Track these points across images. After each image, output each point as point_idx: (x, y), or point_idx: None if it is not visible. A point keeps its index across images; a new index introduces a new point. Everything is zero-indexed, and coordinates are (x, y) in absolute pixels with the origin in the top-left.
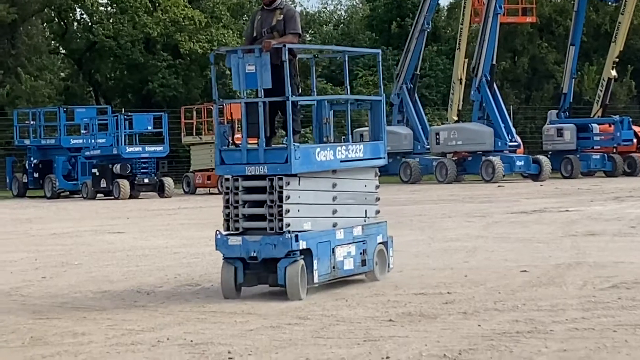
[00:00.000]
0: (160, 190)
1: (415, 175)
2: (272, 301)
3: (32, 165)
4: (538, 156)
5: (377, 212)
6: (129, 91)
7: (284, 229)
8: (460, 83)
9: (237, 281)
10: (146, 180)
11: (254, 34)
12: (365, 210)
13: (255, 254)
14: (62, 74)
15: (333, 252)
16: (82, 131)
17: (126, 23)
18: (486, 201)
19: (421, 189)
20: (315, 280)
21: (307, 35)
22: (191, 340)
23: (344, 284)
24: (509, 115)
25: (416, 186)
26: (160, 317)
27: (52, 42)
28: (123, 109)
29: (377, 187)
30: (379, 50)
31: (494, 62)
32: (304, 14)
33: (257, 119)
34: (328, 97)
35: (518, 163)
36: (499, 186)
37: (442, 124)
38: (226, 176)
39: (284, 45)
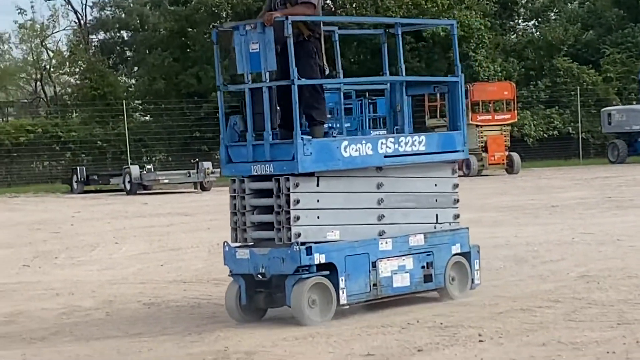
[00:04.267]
0: None
1: None
2: (522, 284)
3: None
4: None
5: (456, 216)
6: (373, 75)
7: (293, 240)
8: None
9: (242, 303)
10: None
11: (271, 5)
12: (437, 215)
13: (263, 270)
14: None
15: (374, 266)
16: (328, 115)
17: (369, 8)
18: None
19: None
20: (343, 301)
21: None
22: (441, 323)
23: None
24: None
25: None
26: (408, 300)
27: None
28: (366, 93)
29: (455, 185)
30: (454, 22)
31: None
32: None
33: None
34: (349, 80)
35: None
36: None
37: None
38: (232, 177)
39: (286, 18)
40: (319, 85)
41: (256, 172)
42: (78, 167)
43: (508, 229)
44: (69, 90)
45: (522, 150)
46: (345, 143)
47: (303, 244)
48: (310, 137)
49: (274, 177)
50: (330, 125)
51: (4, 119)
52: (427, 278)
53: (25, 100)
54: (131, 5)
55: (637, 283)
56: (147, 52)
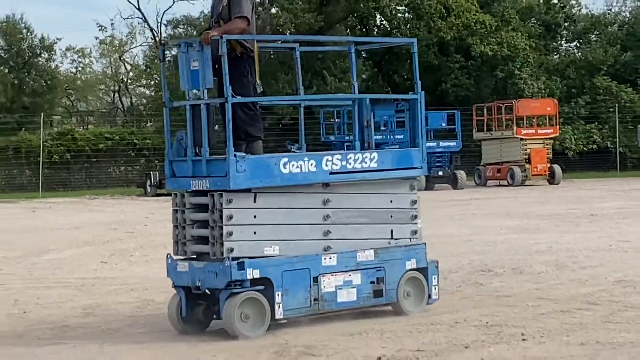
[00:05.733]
0: (453, 183)
1: None
2: (562, 287)
3: None
4: None
5: (414, 232)
6: (425, 91)
7: (225, 255)
8: None
9: (182, 315)
10: (440, 173)
11: (211, 24)
12: (392, 231)
13: (199, 283)
14: (364, 76)
15: (315, 281)
16: (381, 128)
17: (422, 28)
18: None
19: None
20: (279, 315)
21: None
22: (486, 322)
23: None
24: None
25: None
26: (456, 301)
27: (355, 46)
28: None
29: (414, 202)
30: (414, 40)
31: None
32: (589, 15)
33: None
34: (309, 97)
35: None
36: None
37: None
38: (174, 192)
39: (221, 37)
40: (252, 103)
41: (194, 187)
42: (152, 172)
43: (549, 236)
44: (144, 101)
45: (563, 162)
46: (285, 160)
47: (237, 258)
48: (244, 154)
49: (209, 193)
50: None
51: (85, 127)
52: (377, 293)
53: (104, 110)
54: (202, 23)
55: None
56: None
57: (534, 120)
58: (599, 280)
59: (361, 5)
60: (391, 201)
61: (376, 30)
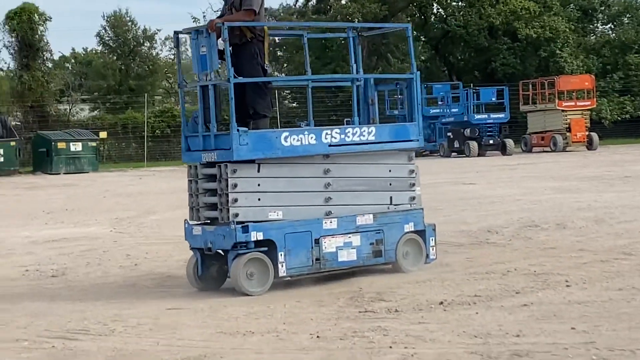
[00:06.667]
0: (503, 150)
1: None
2: (601, 239)
3: None
4: None
5: (412, 198)
6: (476, 70)
7: (231, 219)
8: None
9: (199, 274)
10: (491, 142)
11: (223, 13)
12: (391, 198)
13: (210, 245)
14: (422, 57)
15: (316, 242)
16: (438, 102)
17: (473, 15)
18: None
19: None
20: (282, 274)
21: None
22: (534, 271)
23: None
24: None
25: None
26: (508, 252)
27: (415, 32)
28: (472, 84)
29: (412, 171)
30: (409, 25)
31: None
32: (622, 0)
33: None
34: (315, 77)
35: None
36: None
37: None
38: (188, 165)
39: (223, 24)
40: (263, 83)
41: (205, 159)
42: None
43: (589, 195)
44: None
45: (600, 130)
46: (286, 134)
47: (242, 222)
48: (246, 129)
49: (217, 164)
50: (440, 110)
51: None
52: (377, 253)
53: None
54: (281, 14)
55: None
56: (295, 52)
57: (573, 94)
58: (634, 234)
59: None
60: (390, 170)
61: (433, 17)
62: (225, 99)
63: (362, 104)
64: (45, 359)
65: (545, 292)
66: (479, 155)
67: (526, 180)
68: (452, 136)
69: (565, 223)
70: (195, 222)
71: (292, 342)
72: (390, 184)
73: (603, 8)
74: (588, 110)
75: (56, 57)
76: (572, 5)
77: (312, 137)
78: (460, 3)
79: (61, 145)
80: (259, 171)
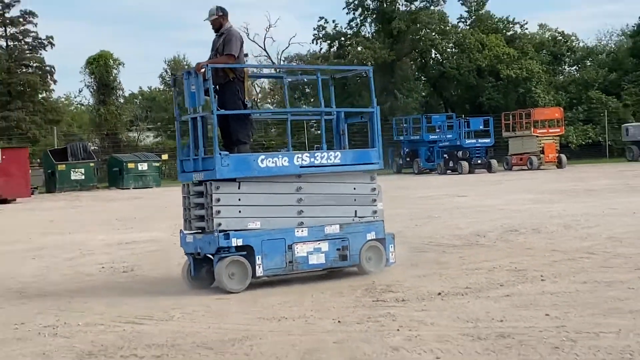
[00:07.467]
0: (489, 168)
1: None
2: (569, 242)
3: (405, 152)
4: None
5: (374, 211)
6: (467, 103)
7: (215, 228)
8: None
9: (192, 275)
10: (479, 162)
11: (211, 57)
12: (356, 211)
13: (199, 250)
14: (423, 94)
15: (290, 248)
16: (436, 130)
17: (464, 59)
18: None
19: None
20: (260, 273)
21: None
22: (515, 267)
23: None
24: None
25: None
26: (493, 252)
27: (416, 72)
28: (463, 115)
29: (374, 189)
30: (370, 67)
31: None
32: (585, 47)
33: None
34: (269, 110)
35: None
36: None
37: None
38: (183, 183)
39: (207, 66)
40: (244, 115)
41: (195, 178)
42: None
43: (559, 205)
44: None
45: (567, 152)
46: (262, 157)
47: (224, 231)
48: (227, 153)
49: (203, 182)
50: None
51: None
52: (343, 257)
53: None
54: (309, 58)
55: None
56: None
57: (545, 123)
58: (596, 237)
59: (421, 43)
60: (354, 188)
61: (431, 61)
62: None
63: (334, 134)
64: (118, 340)
65: (523, 285)
66: (469, 172)
67: (508, 193)
68: (447, 157)
69: (540, 228)
70: (188, 232)
71: (317, 326)
72: (355, 200)
73: (569, 53)
74: (558, 136)
75: (127, 94)
76: (544, 50)
77: (285, 160)
78: (453, 49)
79: (131, 165)
80: (239, 188)
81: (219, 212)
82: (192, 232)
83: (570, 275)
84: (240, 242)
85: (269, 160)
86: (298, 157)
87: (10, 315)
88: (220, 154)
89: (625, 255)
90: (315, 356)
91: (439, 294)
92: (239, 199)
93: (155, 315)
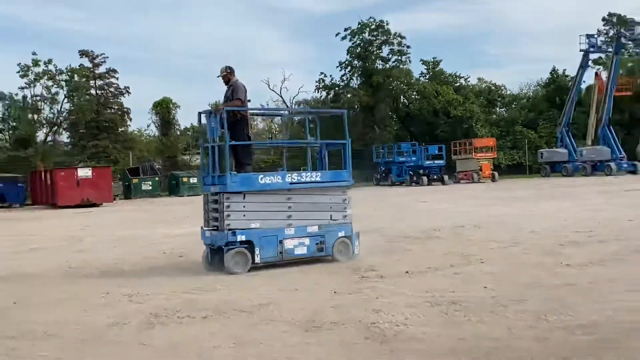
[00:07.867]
0: (442, 182)
1: (570, 172)
2: (501, 234)
3: (382, 170)
4: (635, 162)
5: (345, 216)
6: (427, 135)
7: (225, 227)
8: (592, 126)
9: (208, 260)
10: (435, 177)
11: (224, 100)
12: (331, 215)
13: (214, 243)
14: (395, 128)
15: (281, 242)
16: (404, 154)
17: (425, 103)
18: (608, 183)
19: (574, 180)
20: (257, 261)
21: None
22: (462, 253)
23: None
24: (619, 141)
25: (571, 179)
26: (446, 242)
27: (390, 113)
28: (424, 143)
29: (345, 199)
30: (345, 111)
31: (610, 116)
32: (511, 94)
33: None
34: (266, 142)
35: (624, 166)
36: (614, 177)
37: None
38: (204, 193)
39: (223, 109)
40: (247, 145)
41: (212, 190)
42: None
43: (494, 209)
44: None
45: (499, 170)
46: (262, 176)
47: (232, 229)
48: (236, 173)
49: (218, 194)
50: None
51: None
52: (320, 249)
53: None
54: (312, 102)
55: (558, 235)
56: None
57: (483, 149)
58: (519, 232)
59: (393, 92)
60: (330, 199)
61: (401, 104)
62: (230, 154)
63: (318, 159)
64: (176, 306)
65: (468, 266)
66: (428, 184)
67: (456, 199)
68: (412, 173)
69: (480, 225)
70: (207, 228)
71: (320, 295)
72: (330, 207)
73: (500, 99)
74: (492, 158)
75: (182, 127)
76: (482, 97)
77: (279, 178)
78: (417, 96)
79: (185, 179)
80: (244, 198)
81: (228, 215)
82: (210, 228)
83: (502, 259)
84: (243, 238)
85: (267, 178)
86: (289, 176)
87: (99, 287)
88: (230, 173)
89: (540, 245)
90: (318, 316)
91: (407, 272)
92: (244, 206)
93: (203, 287)
